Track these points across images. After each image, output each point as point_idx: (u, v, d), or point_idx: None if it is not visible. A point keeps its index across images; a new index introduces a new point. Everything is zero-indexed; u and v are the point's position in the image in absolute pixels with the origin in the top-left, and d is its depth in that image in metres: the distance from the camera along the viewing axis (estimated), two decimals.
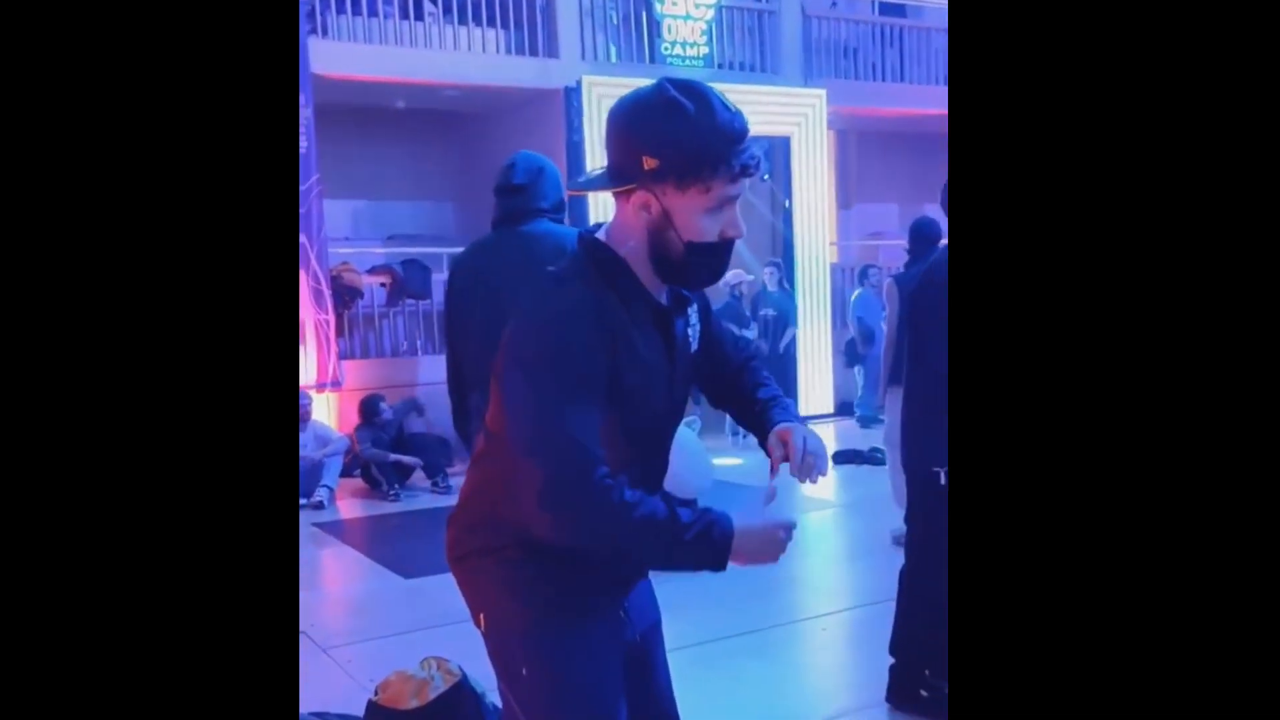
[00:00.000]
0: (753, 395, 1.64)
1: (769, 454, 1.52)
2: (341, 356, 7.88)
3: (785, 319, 8.78)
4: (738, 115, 1.33)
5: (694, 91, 1.32)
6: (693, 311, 1.53)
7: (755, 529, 1.36)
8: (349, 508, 6.75)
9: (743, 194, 1.37)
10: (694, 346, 1.55)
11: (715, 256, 1.37)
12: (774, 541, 1.38)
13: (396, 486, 6.86)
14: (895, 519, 2.88)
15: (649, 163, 1.31)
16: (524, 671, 1.45)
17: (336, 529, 6.15)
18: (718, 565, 1.34)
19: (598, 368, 1.32)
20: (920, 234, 4.79)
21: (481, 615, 1.50)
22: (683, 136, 1.30)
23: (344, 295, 8.11)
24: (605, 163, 1.40)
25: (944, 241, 3.67)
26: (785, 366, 8.74)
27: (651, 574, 1.64)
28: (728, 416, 8.16)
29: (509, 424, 1.36)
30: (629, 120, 1.35)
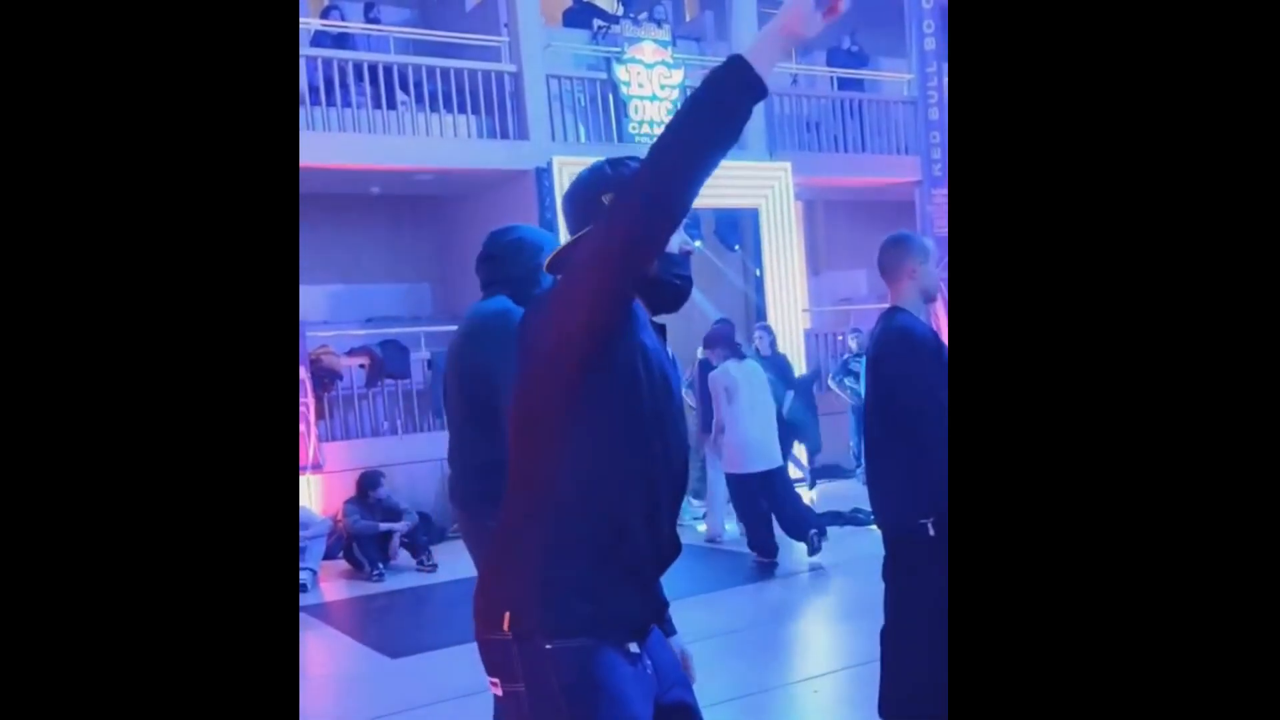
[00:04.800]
0: None
1: None
2: (322, 439, 7.88)
3: (784, 383, 8.74)
4: None
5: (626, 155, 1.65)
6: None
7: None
8: (333, 590, 6.68)
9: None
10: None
11: (682, 267, 1.61)
12: None
13: (380, 566, 6.81)
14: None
15: (608, 199, 1.54)
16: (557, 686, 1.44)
17: (321, 611, 6.09)
18: (745, 77, 1.38)
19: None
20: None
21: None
22: (629, 171, 1.56)
23: (323, 378, 8.14)
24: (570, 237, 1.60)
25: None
26: (786, 434, 8.67)
27: None
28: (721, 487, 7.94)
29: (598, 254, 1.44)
30: (584, 181, 1.62)
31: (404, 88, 8.64)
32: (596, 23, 9.84)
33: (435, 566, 6.86)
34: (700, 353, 7.34)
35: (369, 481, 7.11)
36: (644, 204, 1.40)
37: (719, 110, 1.39)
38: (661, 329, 1.64)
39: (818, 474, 9.57)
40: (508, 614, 1.47)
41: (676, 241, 1.57)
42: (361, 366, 8.57)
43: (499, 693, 1.50)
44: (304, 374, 7.66)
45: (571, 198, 1.62)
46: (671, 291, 1.61)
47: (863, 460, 9.00)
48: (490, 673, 1.50)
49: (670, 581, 1.63)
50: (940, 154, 9.95)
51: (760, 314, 9.64)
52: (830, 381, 9.53)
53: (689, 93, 9.12)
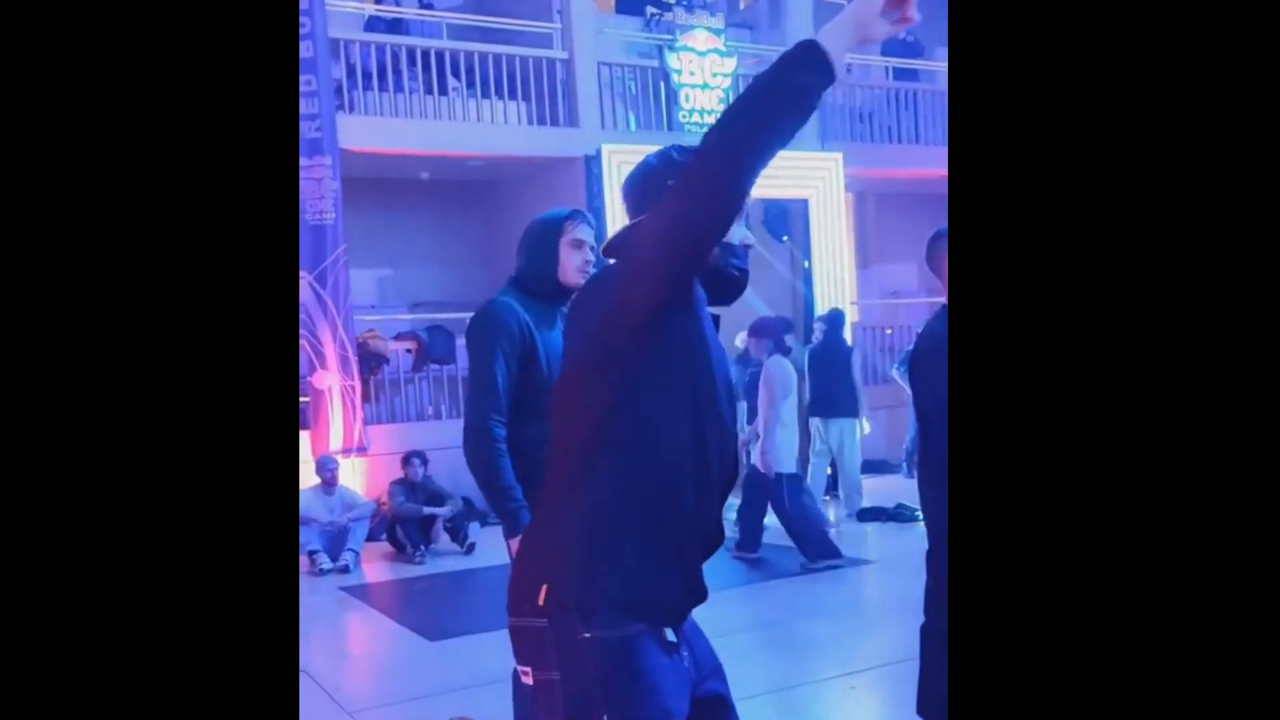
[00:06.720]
0: None
1: None
2: (367, 422, 7.97)
3: None
4: None
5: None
6: None
7: None
8: (375, 571, 6.76)
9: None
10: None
11: (741, 260, 1.62)
12: None
13: (423, 548, 6.88)
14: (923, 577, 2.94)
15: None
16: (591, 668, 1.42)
17: (363, 593, 6.16)
18: (817, 59, 1.38)
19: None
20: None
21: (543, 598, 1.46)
22: None
23: (370, 362, 8.23)
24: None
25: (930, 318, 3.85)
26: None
27: None
28: None
29: None
30: (647, 166, 1.62)
31: (455, 73, 8.66)
32: (649, 10, 9.79)
33: (473, 547, 6.91)
34: (739, 341, 7.15)
35: (408, 461, 7.21)
36: (707, 186, 1.39)
37: (791, 91, 1.39)
38: (714, 319, 1.63)
39: (864, 469, 9.46)
40: (545, 587, 1.44)
41: (737, 234, 1.58)
42: (408, 351, 8.65)
43: (530, 681, 1.48)
44: (351, 357, 7.75)
45: (637, 180, 1.61)
46: (729, 282, 1.62)
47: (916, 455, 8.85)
48: (521, 661, 1.48)
49: (709, 573, 1.60)
50: None
51: (809, 306, 9.55)
52: (894, 372, 9.37)
53: (743, 81, 9.02)
